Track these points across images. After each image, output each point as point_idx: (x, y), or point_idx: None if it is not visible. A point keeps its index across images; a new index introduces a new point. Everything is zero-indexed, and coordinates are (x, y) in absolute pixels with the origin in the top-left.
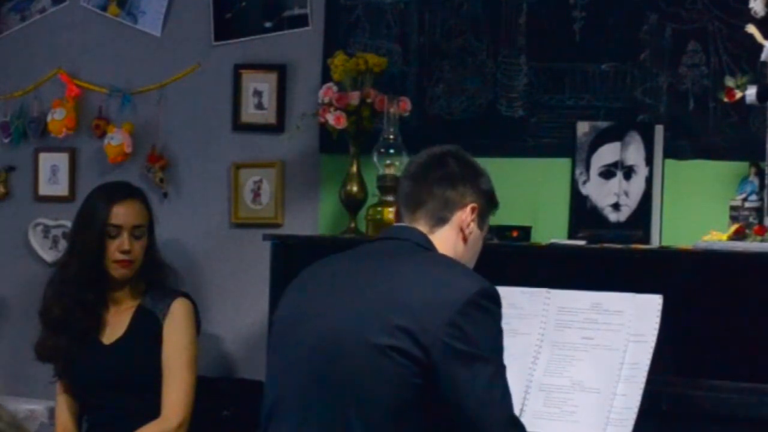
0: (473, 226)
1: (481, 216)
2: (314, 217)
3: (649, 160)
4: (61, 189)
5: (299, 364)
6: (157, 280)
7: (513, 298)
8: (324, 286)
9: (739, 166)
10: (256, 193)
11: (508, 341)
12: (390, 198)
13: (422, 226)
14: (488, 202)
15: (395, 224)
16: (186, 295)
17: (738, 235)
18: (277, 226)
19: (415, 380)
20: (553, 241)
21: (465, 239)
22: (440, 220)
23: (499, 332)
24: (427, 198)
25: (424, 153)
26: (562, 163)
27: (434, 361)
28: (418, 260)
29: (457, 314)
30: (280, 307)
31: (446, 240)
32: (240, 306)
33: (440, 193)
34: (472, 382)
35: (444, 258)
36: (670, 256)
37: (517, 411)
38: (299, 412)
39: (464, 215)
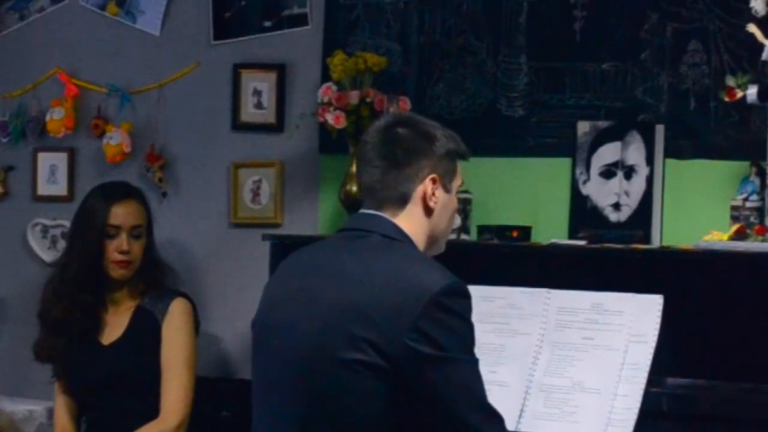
0: (438, 193)
1: (446, 178)
2: (314, 217)
3: (649, 160)
4: (60, 189)
5: (273, 378)
6: (155, 280)
7: (513, 299)
8: (291, 293)
9: (740, 166)
10: (256, 193)
11: (508, 341)
12: None
13: (387, 210)
14: (451, 161)
15: (362, 212)
16: (185, 296)
17: (739, 235)
18: (277, 226)
19: (385, 390)
20: (553, 241)
21: (431, 210)
22: (401, 201)
23: (467, 328)
24: (383, 183)
25: (372, 131)
26: (563, 163)
27: (402, 369)
28: (380, 260)
29: (419, 318)
30: (258, 312)
31: (412, 218)
32: (239, 306)
33: (395, 174)
34: (445, 385)
35: (407, 253)
36: (670, 256)
37: (517, 411)
38: (276, 428)
39: (424, 188)
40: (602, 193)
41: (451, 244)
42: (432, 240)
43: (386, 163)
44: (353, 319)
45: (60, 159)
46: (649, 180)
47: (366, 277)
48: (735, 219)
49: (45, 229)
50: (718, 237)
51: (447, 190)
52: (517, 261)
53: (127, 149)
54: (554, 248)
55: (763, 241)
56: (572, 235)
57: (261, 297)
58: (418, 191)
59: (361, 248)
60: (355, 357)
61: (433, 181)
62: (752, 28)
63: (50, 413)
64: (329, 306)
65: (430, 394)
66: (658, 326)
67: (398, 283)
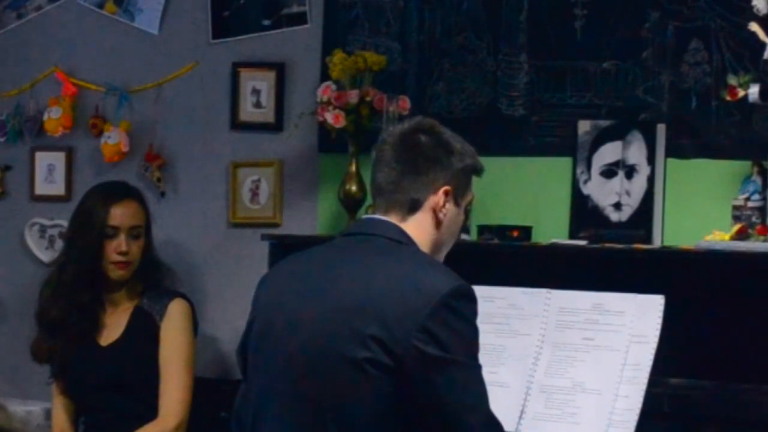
0: (448, 206)
1: (458, 193)
2: (313, 217)
3: (651, 159)
4: (58, 188)
5: (276, 376)
6: (154, 280)
7: (513, 299)
8: (296, 292)
9: (742, 165)
10: (255, 193)
11: (508, 342)
12: None
13: (395, 214)
14: (466, 176)
15: (366, 216)
16: (183, 296)
17: (740, 235)
18: (276, 225)
19: (390, 389)
20: (554, 241)
21: (439, 222)
22: (412, 207)
23: (473, 332)
24: (397, 186)
25: (394, 133)
26: (563, 163)
27: (407, 368)
28: (388, 261)
29: (427, 319)
30: (255, 312)
31: (420, 225)
32: (238, 307)
33: (411, 180)
34: (447, 388)
35: (415, 255)
36: (672, 256)
37: (517, 412)
38: (278, 427)
39: (437, 199)
40: (603, 192)
41: None
42: (435, 250)
43: (403, 167)
44: (361, 318)
45: (58, 158)
46: (651, 179)
47: (374, 276)
48: (737, 219)
49: (43, 229)
50: (720, 237)
51: (457, 204)
52: (518, 261)
53: (126, 149)
54: (555, 248)
55: (764, 241)
56: (573, 234)
57: (255, 297)
58: (430, 200)
59: (366, 250)
60: (363, 355)
61: (446, 193)
62: (754, 26)
63: (48, 414)
64: (336, 305)
65: (431, 395)
66: (659, 326)
67: (407, 283)
